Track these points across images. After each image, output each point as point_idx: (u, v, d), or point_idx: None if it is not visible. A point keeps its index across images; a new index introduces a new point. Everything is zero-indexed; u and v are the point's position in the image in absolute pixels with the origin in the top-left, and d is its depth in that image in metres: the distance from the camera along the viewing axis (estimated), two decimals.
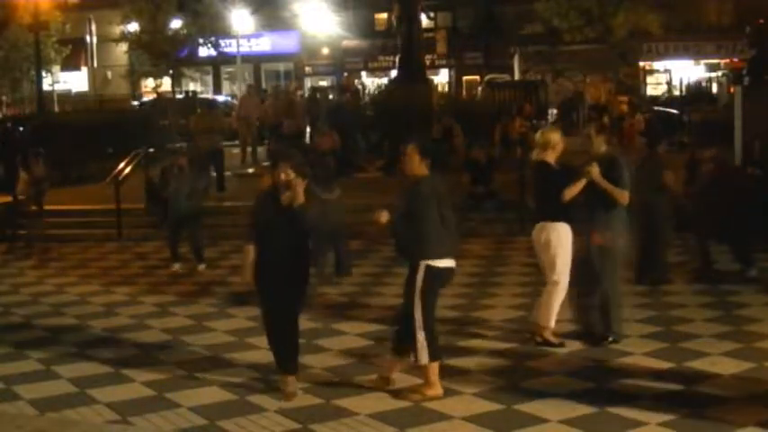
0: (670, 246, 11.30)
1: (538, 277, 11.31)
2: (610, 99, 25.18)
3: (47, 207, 16.54)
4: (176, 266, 12.96)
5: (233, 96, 40.08)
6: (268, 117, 23.69)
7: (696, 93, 35.20)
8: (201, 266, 12.93)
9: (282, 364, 7.36)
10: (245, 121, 23.37)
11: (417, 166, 7.23)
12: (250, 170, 21.35)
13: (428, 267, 7.09)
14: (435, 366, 7.18)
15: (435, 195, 7.18)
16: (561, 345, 8.35)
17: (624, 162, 8.51)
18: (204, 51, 41.46)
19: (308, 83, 46.66)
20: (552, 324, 8.43)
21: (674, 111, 27.27)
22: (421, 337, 7.05)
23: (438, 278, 7.19)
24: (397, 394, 7.21)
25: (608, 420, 6.57)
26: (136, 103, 41.48)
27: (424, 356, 7.07)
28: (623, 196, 8.31)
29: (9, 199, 16.85)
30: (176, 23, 39.87)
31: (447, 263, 7.22)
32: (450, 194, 7.45)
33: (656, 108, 28.42)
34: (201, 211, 13.29)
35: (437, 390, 7.16)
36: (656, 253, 10.87)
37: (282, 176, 7.21)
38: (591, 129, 8.75)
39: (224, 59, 43.57)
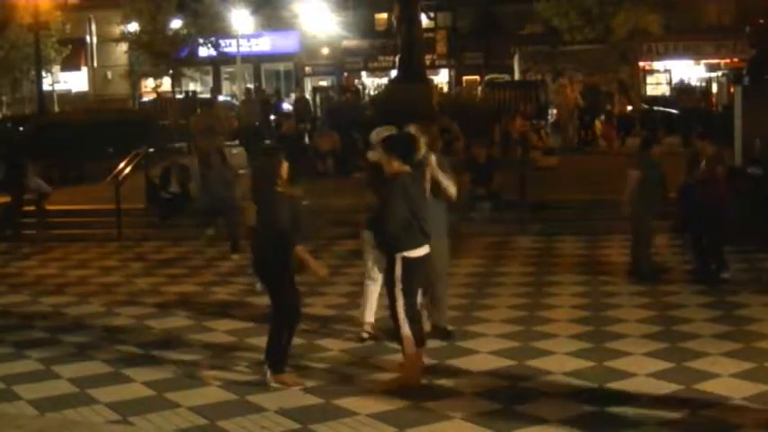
0: (651, 245, 11.28)
1: (538, 277, 11.37)
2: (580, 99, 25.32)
3: (47, 207, 16.60)
4: (235, 257, 13.08)
5: (233, 96, 40.03)
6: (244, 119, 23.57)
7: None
8: (235, 256, 12.99)
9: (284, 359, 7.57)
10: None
11: (387, 163, 7.42)
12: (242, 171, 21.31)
13: (404, 259, 7.22)
14: (419, 354, 7.29)
15: (403, 192, 7.25)
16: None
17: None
18: (204, 51, 41.43)
19: (308, 83, 46.67)
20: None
21: (674, 111, 27.23)
22: (406, 330, 7.22)
23: (414, 267, 7.28)
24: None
25: (608, 420, 6.57)
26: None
27: (410, 347, 7.21)
28: None
29: (9, 199, 16.86)
30: (176, 23, 39.85)
31: (422, 251, 7.34)
32: (419, 191, 7.53)
33: (655, 108, 28.42)
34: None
35: (417, 378, 7.22)
36: (643, 252, 10.91)
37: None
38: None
39: (224, 59, 43.55)
